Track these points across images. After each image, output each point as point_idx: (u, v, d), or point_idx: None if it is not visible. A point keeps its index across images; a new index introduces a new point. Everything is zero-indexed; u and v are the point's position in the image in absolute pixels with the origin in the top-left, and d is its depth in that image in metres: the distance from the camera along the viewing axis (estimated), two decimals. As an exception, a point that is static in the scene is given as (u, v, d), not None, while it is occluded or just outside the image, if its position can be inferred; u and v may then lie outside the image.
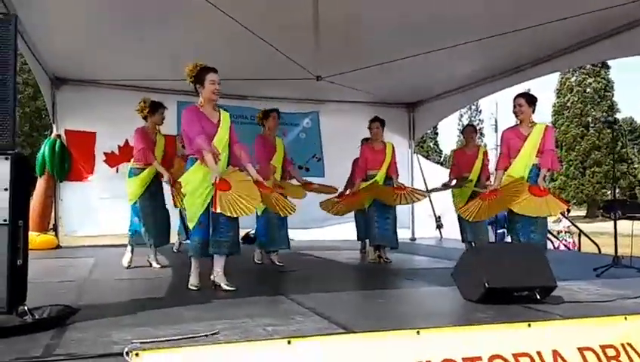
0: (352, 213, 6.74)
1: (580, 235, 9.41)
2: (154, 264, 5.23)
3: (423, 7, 5.22)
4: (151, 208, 5.11)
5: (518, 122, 4.67)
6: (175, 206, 5.67)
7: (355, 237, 6.93)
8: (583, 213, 34.63)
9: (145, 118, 5.19)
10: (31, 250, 6.40)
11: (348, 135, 7.16)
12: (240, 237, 4.17)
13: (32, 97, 27.55)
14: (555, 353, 2.64)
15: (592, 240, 8.39)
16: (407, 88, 8.56)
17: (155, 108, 5.20)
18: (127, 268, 5.15)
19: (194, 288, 3.91)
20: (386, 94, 8.69)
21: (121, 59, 6.73)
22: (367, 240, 6.37)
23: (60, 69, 7.30)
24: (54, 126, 7.73)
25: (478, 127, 49.89)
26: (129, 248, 5.28)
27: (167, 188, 5.32)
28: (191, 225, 3.92)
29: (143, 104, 5.20)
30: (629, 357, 2.76)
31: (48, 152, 7.45)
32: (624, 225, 5.52)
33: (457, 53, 6.21)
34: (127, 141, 7.57)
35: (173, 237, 6.44)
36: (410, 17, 5.47)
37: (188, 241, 5.05)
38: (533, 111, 4.66)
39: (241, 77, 6.66)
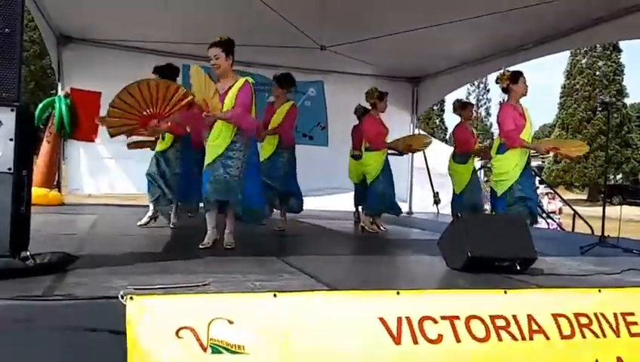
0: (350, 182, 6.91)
1: (574, 216, 9.53)
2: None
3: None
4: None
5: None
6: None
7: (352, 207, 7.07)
8: (584, 196, 34.69)
9: None
10: (40, 205, 6.68)
11: (352, 105, 7.22)
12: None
13: (37, 55, 27.45)
14: (530, 317, 2.77)
15: (586, 222, 8.51)
16: (412, 62, 8.57)
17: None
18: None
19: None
20: (390, 67, 8.71)
21: (129, 20, 6.77)
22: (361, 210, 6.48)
23: (67, 27, 7.35)
24: (59, 84, 7.81)
25: (485, 106, 49.66)
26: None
27: None
28: None
29: None
30: (601, 327, 2.87)
31: (65, 110, 7.51)
32: (626, 210, 5.63)
33: (464, 27, 6.19)
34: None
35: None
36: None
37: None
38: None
39: (246, 43, 6.68)
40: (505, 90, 4.88)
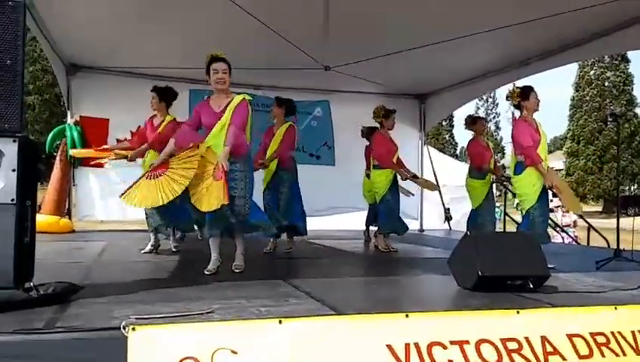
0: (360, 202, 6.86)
1: (589, 230, 9.35)
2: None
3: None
4: None
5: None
6: None
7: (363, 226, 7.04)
8: (599, 208, 34.21)
9: None
10: (51, 233, 6.70)
11: (358, 124, 7.22)
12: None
13: (50, 84, 27.98)
14: (544, 339, 2.70)
15: (601, 235, 8.34)
16: (418, 79, 8.55)
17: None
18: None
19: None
20: (396, 85, 8.69)
21: (135, 47, 6.85)
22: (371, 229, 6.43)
23: (75, 56, 7.45)
24: (69, 112, 7.90)
25: (494, 120, 49.53)
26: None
27: None
28: None
29: None
30: (619, 345, 2.80)
31: (78, 137, 7.60)
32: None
33: (470, 42, 6.16)
34: (139, 127, 7.73)
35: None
36: (421, 6, 5.48)
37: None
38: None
39: (252, 67, 6.73)
40: (517, 107, 4.86)
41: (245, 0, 5.08)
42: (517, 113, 4.96)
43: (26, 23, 2.82)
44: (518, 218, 5.86)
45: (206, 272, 3.95)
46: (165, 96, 5.27)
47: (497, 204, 8.37)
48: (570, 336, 2.75)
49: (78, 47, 7.08)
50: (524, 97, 4.75)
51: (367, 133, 6.78)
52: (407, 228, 6.14)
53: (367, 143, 6.81)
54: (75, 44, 6.93)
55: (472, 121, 6.54)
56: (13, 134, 2.75)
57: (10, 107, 2.74)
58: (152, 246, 5.28)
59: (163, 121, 5.25)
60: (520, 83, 7.68)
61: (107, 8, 5.68)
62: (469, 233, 3.59)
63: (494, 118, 49.02)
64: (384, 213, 5.96)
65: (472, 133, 6.52)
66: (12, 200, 2.74)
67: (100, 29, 6.28)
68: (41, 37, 6.26)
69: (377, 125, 6.17)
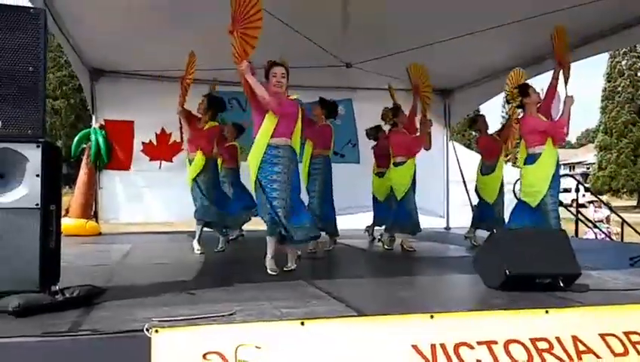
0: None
1: (622, 225, 9.07)
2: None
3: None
4: None
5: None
6: None
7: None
8: (633, 202, 33.23)
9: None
10: (78, 235, 6.84)
11: (382, 121, 7.16)
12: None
13: (77, 89, 28.57)
14: (575, 338, 2.61)
15: (636, 230, 8.10)
16: (441, 74, 8.37)
17: None
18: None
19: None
20: (419, 81, 8.57)
21: (158, 50, 6.91)
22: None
23: (98, 61, 7.57)
24: (93, 117, 8.04)
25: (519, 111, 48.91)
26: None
27: None
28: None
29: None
30: (656, 344, 2.69)
31: (103, 141, 7.75)
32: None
33: (493, 37, 6.03)
34: (163, 130, 7.85)
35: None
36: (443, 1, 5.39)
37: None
38: None
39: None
40: (521, 106, 4.92)
41: (265, 0, 5.08)
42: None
43: (47, 30, 2.86)
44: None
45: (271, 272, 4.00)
46: (213, 105, 5.48)
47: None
48: (602, 336, 2.65)
49: (100, 53, 7.19)
50: (524, 95, 4.81)
51: (374, 132, 6.90)
52: (418, 229, 6.00)
53: (374, 143, 6.93)
54: (98, 50, 7.04)
55: (472, 120, 6.73)
56: (36, 140, 2.79)
57: (33, 113, 2.78)
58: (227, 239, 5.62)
59: (205, 125, 5.43)
60: (548, 75, 7.56)
61: (128, 14, 5.75)
62: (494, 231, 3.49)
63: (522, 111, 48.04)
64: (405, 213, 5.87)
65: (479, 132, 6.59)
66: (36, 204, 2.79)
67: (122, 34, 6.35)
68: (65, 43, 6.37)
69: (380, 124, 6.36)
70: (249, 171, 4.07)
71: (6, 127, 2.75)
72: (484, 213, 6.29)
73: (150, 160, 8.16)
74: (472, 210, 9.48)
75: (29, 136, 2.78)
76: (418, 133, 6.11)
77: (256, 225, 6.80)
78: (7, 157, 2.77)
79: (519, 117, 5.21)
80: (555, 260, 3.30)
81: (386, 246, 5.97)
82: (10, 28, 2.74)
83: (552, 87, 5.06)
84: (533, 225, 4.46)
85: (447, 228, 9.24)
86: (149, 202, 8.09)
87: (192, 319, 2.50)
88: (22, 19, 2.77)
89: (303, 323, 2.36)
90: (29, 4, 3.52)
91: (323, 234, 5.68)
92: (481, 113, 6.76)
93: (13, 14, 2.77)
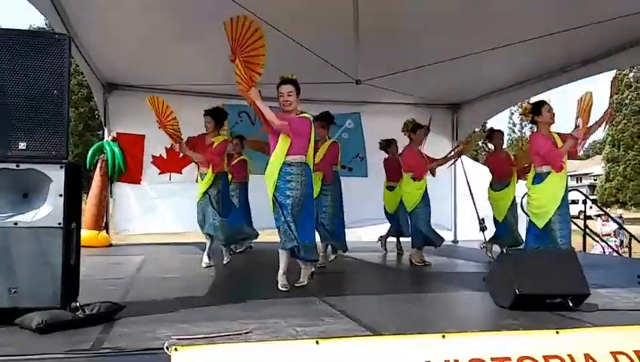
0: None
1: (630, 239, 9.06)
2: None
3: (464, 5, 5.20)
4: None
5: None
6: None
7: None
8: (641, 215, 33.07)
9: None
10: (90, 246, 6.93)
11: (390, 135, 7.23)
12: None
13: (85, 98, 28.77)
14: (587, 356, 2.65)
15: (643, 245, 8.10)
16: (450, 89, 8.50)
17: None
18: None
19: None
20: (428, 95, 8.64)
21: (171, 65, 7.04)
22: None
23: (112, 75, 7.70)
24: (106, 129, 8.16)
25: (529, 126, 48.51)
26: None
27: None
28: None
29: None
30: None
31: (119, 152, 7.88)
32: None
33: (503, 52, 6.10)
34: (173, 144, 7.91)
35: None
36: (451, 16, 5.46)
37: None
38: None
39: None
40: (533, 122, 4.89)
41: (277, 19, 5.18)
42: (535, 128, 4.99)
43: (71, 55, 2.96)
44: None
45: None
46: (215, 118, 5.54)
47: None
48: (614, 354, 2.69)
49: (114, 67, 7.32)
50: (536, 112, 4.76)
51: (385, 145, 6.98)
52: (442, 240, 6.08)
53: (387, 156, 7.01)
54: (112, 65, 7.17)
55: (488, 136, 6.68)
56: (60, 161, 2.88)
57: (57, 135, 2.87)
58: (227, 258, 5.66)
59: (214, 140, 5.50)
60: (557, 91, 7.64)
61: (142, 30, 5.87)
62: (505, 251, 3.54)
63: (530, 125, 48.04)
64: (415, 226, 5.94)
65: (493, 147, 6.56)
66: (59, 223, 2.87)
67: (135, 50, 6.49)
68: (80, 58, 6.49)
69: (394, 138, 6.42)
70: (266, 189, 4.14)
71: (31, 149, 2.85)
72: (498, 229, 6.32)
73: (160, 173, 8.27)
74: (479, 223, 9.54)
75: (54, 157, 2.87)
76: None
77: (263, 236, 6.90)
78: (32, 178, 2.86)
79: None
80: (564, 280, 3.34)
81: (416, 262, 5.94)
82: (36, 53, 2.84)
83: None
84: (546, 246, 4.47)
85: (455, 241, 9.27)
86: (162, 213, 8.20)
87: (210, 337, 2.57)
88: (48, 45, 2.87)
89: (317, 342, 2.41)
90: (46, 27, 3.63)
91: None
92: (498, 129, 6.72)
93: (40, 40, 2.88)
